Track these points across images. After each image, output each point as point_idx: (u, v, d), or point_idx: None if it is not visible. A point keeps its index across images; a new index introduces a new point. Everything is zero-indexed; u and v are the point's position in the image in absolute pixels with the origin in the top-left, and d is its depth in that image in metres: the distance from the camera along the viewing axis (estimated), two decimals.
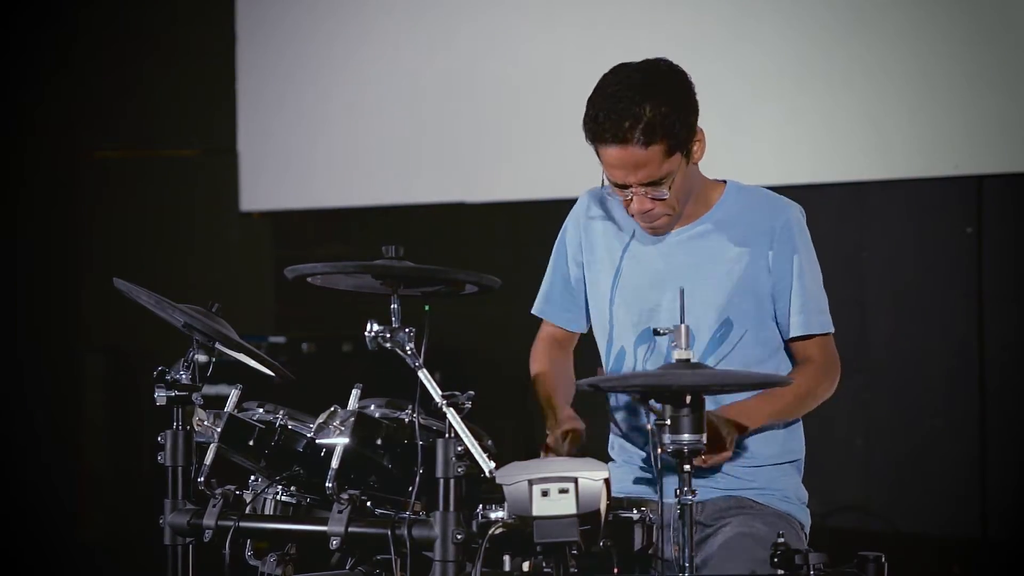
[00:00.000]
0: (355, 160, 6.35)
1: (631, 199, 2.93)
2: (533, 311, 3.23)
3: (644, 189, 2.91)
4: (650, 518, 2.63)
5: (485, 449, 2.62)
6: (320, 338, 5.88)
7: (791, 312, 3.00)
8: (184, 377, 2.83)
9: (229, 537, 2.76)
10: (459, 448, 2.58)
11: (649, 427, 2.55)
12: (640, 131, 2.83)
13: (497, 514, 2.53)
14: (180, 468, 2.84)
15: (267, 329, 6.27)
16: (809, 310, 3.00)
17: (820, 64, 5.26)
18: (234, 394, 2.87)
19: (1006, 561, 5.05)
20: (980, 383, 5.10)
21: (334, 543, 2.68)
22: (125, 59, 6.59)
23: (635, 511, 2.62)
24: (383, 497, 2.80)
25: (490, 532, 2.52)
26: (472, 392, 2.63)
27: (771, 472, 3.01)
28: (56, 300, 6.56)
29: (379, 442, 2.76)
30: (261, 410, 2.90)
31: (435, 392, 2.63)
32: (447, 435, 2.59)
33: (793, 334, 3.01)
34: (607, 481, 2.48)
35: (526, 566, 2.56)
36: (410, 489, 2.64)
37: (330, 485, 2.68)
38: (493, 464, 2.59)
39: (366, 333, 2.68)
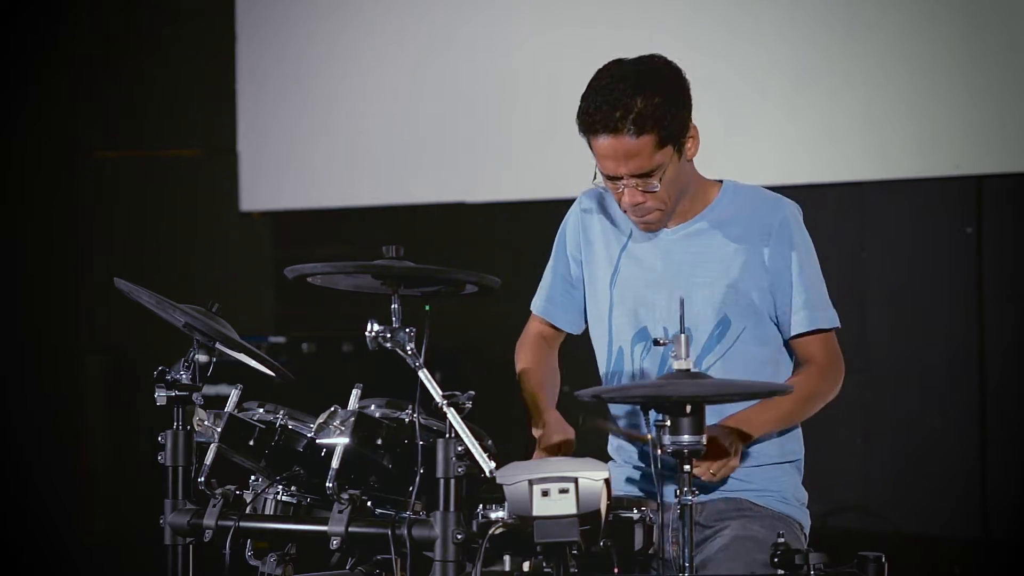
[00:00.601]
0: (355, 160, 6.35)
1: (622, 192, 2.94)
2: (534, 311, 3.22)
3: (635, 181, 2.91)
4: (650, 518, 2.63)
5: (485, 449, 2.62)
6: (320, 338, 5.88)
7: (792, 309, 2.99)
8: (184, 377, 2.82)
9: (229, 537, 2.76)
10: (459, 448, 2.57)
11: (649, 436, 2.55)
12: (631, 121, 2.85)
13: (497, 514, 2.53)
14: (180, 468, 2.84)
15: (267, 329, 6.27)
16: (812, 306, 2.99)
17: (820, 64, 5.26)
18: (234, 394, 2.87)
19: (1006, 561, 5.05)
20: (980, 383, 5.11)
21: (334, 543, 2.68)
22: (125, 59, 6.59)
23: (635, 511, 2.62)
24: (383, 497, 2.79)
25: (490, 532, 2.52)
26: (472, 392, 2.63)
27: (770, 472, 3.01)
28: (56, 300, 6.56)
29: (379, 442, 2.76)
30: (261, 410, 2.90)
31: (435, 392, 2.63)
32: (447, 435, 2.59)
33: (796, 331, 3.00)
34: (607, 481, 2.48)
35: (526, 566, 2.56)
36: (410, 489, 2.64)
37: (330, 485, 2.68)
38: (493, 464, 2.59)
39: (366, 333, 2.68)
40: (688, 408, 2.47)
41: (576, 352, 3.29)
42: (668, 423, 2.49)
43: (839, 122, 5.24)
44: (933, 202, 5.21)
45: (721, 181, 3.08)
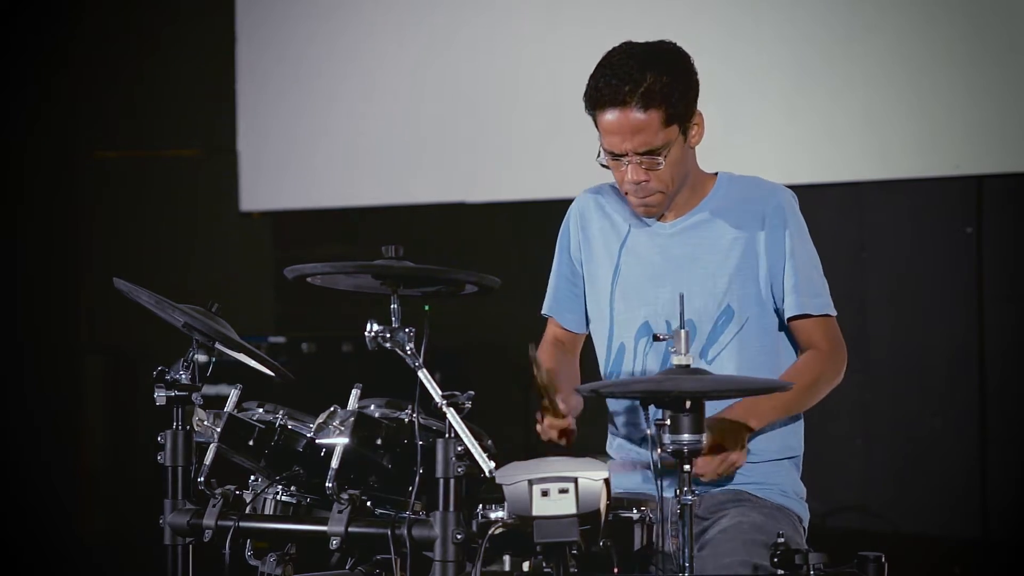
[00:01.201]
0: (355, 160, 6.35)
1: (626, 169, 2.94)
2: (543, 311, 3.23)
3: (639, 158, 2.92)
4: (650, 517, 2.63)
5: (485, 449, 2.62)
6: (320, 338, 5.88)
7: (785, 292, 3.00)
8: (184, 377, 2.82)
9: (229, 537, 2.76)
10: (459, 448, 2.58)
11: (649, 432, 2.55)
12: (639, 95, 2.87)
13: (497, 514, 2.53)
14: (180, 468, 2.84)
15: (267, 329, 6.27)
16: (801, 290, 2.99)
17: (820, 65, 5.26)
18: (234, 394, 2.87)
19: (1006, 561, 5.05)
20: (980, 383, 5.10)
21: (334, 543, 2.68)
22: (125, 59, 6.59)
23: (635, 511, 2.62)
24: (383, 497, 2.79)
25: (490, 532, 2.52)
26: (472, 392, 2.63)
27: (769, 467, 3.01)
28: (56, 300, 6.56)
29: (379, 442, 2.76)
30: (261, 410, 2.90)
31: (435, 392, 2.63)
32: (447, 435, 2.59)
33: (789, 314, 3.00)
34: (607, 481, 2.48)
35: (526, 566, 2.56)
36: (410, 489, 2.64)
37: (330, 485, 2.68)
38: (493, 464, 2.59)
39: (366, 333, 2.68)
40: (688, 404, 2.47)
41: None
42: (668, 423, 2.50)
43: (839, 122, 5.24)
44: (933, 202, 5.21)
45: (716, 174, 3.09)
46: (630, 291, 3.07)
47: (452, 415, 2.60)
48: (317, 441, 2.77)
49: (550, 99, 5.69)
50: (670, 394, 2.47)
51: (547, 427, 2.93)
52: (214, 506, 2.79)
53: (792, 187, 3.13)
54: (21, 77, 6.43)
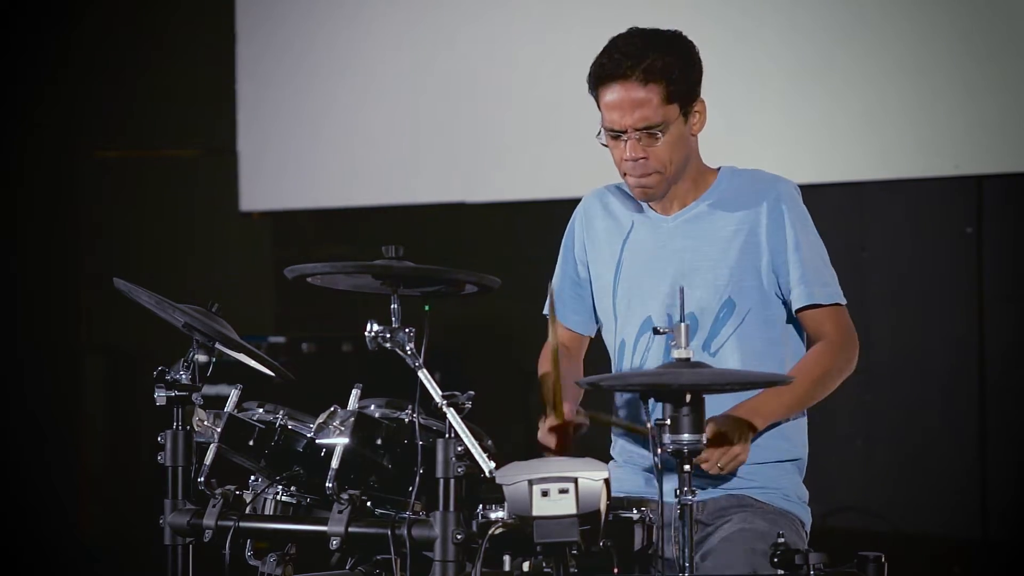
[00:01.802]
0: (355, 160, 6.35)
1: (625, 145, 2.94)
2: (545, 311, 3.23)
3: (638, 134, 2.93)
4: (650, 518, 2.63)
5: (485, 449, 2.63)
6: (320, 338, 5.88)
7: (791, 284, 2.99)
8: (184, 377, 2.83)
9: (229, 537, 2.76)
10: (459, 448, 2.58)
11: (649, 425, 2.55)
12: (641, 70, 2.91)
13: (497, 514, 2.54)
14: (180, 468, 2.84)
15: (267, 329, 6.27)
16: (809, 280, 2.99)
17: (820, 64, 5.26)
18: (234, 394, 2.87)
19: (1006, 561, 5.05)
20: (980, 383, 5.10)
21: (334, 543, 2.68)
22: (125, 59, 6.59)
23: (635, 511, 2.62)
24: (383, 497, 2.80)
25: (490, 532, 2.52)
26: (472, 392, 2.64)
27: (771, 471, 3.00)
28: (56, 300, 6.55)
29: (379, 442, 2.77)
30: (261, 410, 2.90)
31: (435, 392, 2.63)
32: (447, 435, 2.59)
33: (797, 306, 2.99)
34: (607, 481, 2.48)
35: (526, 566, 2.56)
36: (410, 489, 2.64)
37: (330, 485, 2.68)
38: (493, 464, 2.59)
39: (366, 333, 2.68)
40: (688, 397, 2.47)
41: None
42: (668, 422, 2.49)
43: (839, 122, 5.24)
44: (933, 202, 5.21)
45: (719, 168, 3.09)
46: (632, 285, 3.07)
47: (452, 415, 2.60)
48: (317, 441, 2.78)
49: (550, 99, 5.69)
50: (670, 387, 2.47)
51: (547, 431, 2.92)
52: (214, 506, 2.79)
53: None
54: (21, 77, 6.43)
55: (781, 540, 2.58)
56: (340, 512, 2.67)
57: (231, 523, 2.77)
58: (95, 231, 6.64)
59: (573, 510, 2.44)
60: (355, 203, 6.36)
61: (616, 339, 3.10)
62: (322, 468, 2.72)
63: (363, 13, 6.30)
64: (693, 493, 2.50)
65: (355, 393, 2.77)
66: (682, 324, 2.56)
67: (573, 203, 3.24)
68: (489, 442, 2.70)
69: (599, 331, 3.21)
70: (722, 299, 3.00)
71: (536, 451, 2.97)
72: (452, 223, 6.13)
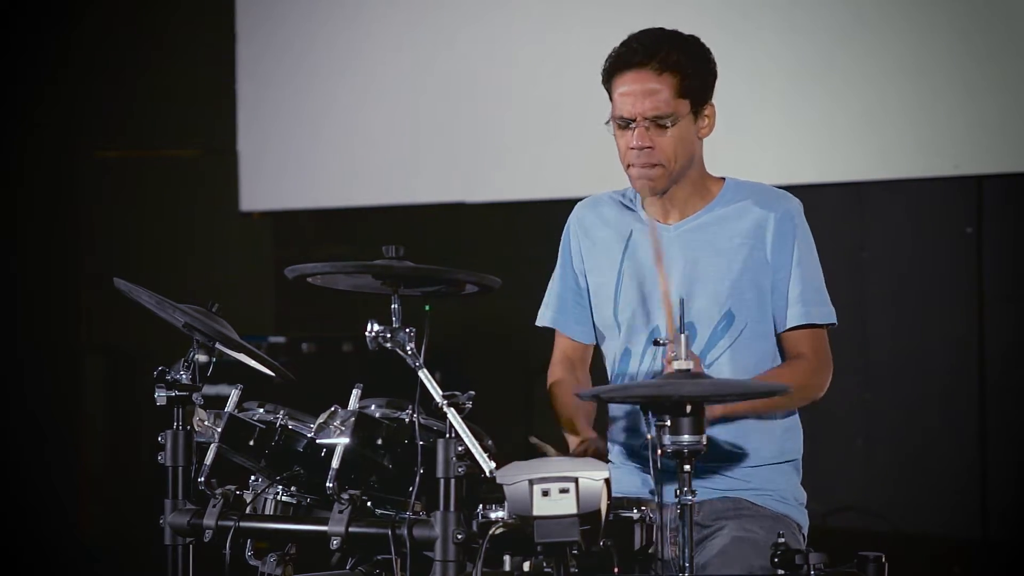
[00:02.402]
0: (355, 160, 6.35)
1: (633, 133, 2.95)
2: (547, 323, 3.21)
3: (647, 123, 2.94)
4: (650, 517, 2.63)
5: (485, 449, 2.62)
6: (320, 338, 5.88)
7: (788, 302, 3.00)
8: (184, 377, 2.83)
9: (229, 537, 2.76)
10: (459, 448, 2.58)
11: (649, 436, 2.55)
12: (657, 60, 2.95)
13: (497, 514, 2.53)
14: (180, 468, 2.84)
15: (267, 329, 6.27)
16: (807, 300, 3.00)
17: (820, 64, 5.26)
18: (234, 394, 2.87)
19: (1006, 561, 5.05)
20: (980, 383, 5.10)
21: (334, 543, 2.68)
22: (125, 59, 6.59)
23: (635, 511, 2.62)
24: (383, 497, 2.80)
25: (490, 532, 2.52)
26: (472, 392, 2.63)
27: (768, 472, 3.00)
28: (56, 300, 6.56)
29: (379, 442, 2.76)
30: (261, 410, 2.90)
31: (435, 392, 2.63)
32: (447, 435, 2.59)
33: (790, 324, 3.00)
34: (607, 481, 2.48)
35: (526, 566, 2.56)
36: (410, 489, 2.64)
37: (330, 485, 2.68)
38: (493, 464, 2.59)
39: (366, 333, 2.68)
40: (688, 408, 2.47)
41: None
42: (668, 423, 2.50)
43: (839, 122, 5.24)
44: (933, 202, 5.21)
45: (724, 179, 3.09)
46: (633, 295, 3.07)
47: (452, 415, 2.60)
48: (317, 441, 2.78)
49: (550, 99, 5.69)
50: (670, 398, 2.47)
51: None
52: (214, 506, 2.79)
53: (792, 187, 3.14)
54: (21, 77, 6.43)
55: (781, 540, 2.58)
56: (340, 512, 2.67)
57: (231, 523, 2.77)
58: (95, 231, 6.64)
59: (573, 510, 2.44)
60: (355, 203, 6.36)
61: (619, 348, 3.10)
62: (322, 468, 2.72)
63: (363, 13, 6.30)
64: (693, 494, 2.50)
65: (355, 393, 2.77)
66: (682, 335, 2.56)
67: (572, 203, 3.23)
68: (489, 442, 2.70)
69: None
70: (722, 311, 3.00)
71: (536, 452, 2.97)
72: (452, 223, 6.13)
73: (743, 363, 2.99)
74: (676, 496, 2.50)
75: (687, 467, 2.49)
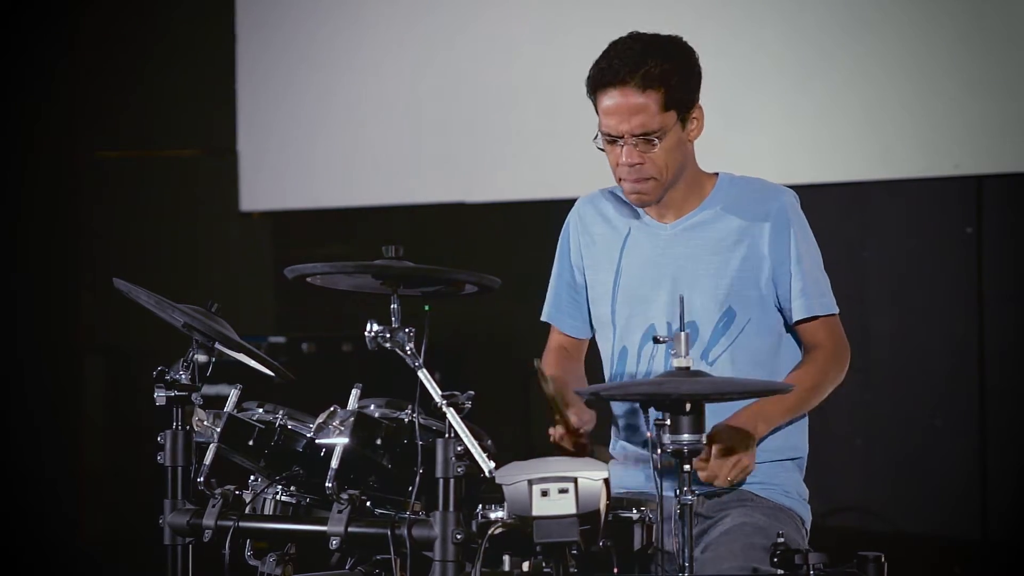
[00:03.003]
0: (355, 160, 6.35)
1: (621, 151, 2.95)
2: (542, 318, 3.23)
3: (635, 140, 2.93)
4: (650, 517, 2.63)
5: (485, 449, 2.62)
6: (320, 338, 5.88)
7: (792, 296, 3.01)
8: (184, 377, 2.83)
9: (229, 537, 2.76)
10: (459, 448, 2.58)
11: (649, 434, 2.55)
12: (639, 76, 2.91)
13: (497, 514, 2.54)
14: (180, 468, 2.84)
15: (267, 329, 6.26)
16: (809, 293, 3.00)
17: (820, 64, 5.26)
18: (234, 394, 2.87)
19: (1006, 561, 5.05)
20: (980, 383, 5.10)
21: (334, 543, 2.68)
22: (125, 59, 6.59)
23: (635, 511, 2.62)
24: (383, 497, 2.80)
25: (490, 532, 2.52)
26: (472, 392, 2.63)
27: (771, 468, 3.01)
28: (56, 300, 6.55)
29: (379, 442, 2.76)
30: (261, 410, 2.90)
31: (435, 392, 2.63)
32: (447, 435, 2.59)
33: (796, 318, 3.01)
34: (607, 481, 2.48)
35: (526, 566, 2.56)
36: (410, 489, 2.64)
37: (330, 485, 2.68)
38: (493, 464, 2.59)
39: (366, 333, 2.68)
40: (688, 406, 2.47)
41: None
42: (668, 422, 2.50)
43: (839, 122, 5.24)
44: (933, 202, 5.21)
45: (717, 174, 3.09)
46: (631, 293, 3.07)
47: (452, 415, 2.60)
48: (317, 441, 2.78)
49: (549, 99, 5.69)
50: (670, 397, 2.47)
51: (559, 438, 2.94)
52: (214, 506, 2.79)
53: (792, 187, 3.14)
54: (21, 77, 6.43)
55: (781, 540, 2.58)
56: (340, 512, 2.67)
57: (231, 523, 2.77)
58: (95, 231, 6.63)
59: (573, 510, 2.44)
60: (355, 203, 6.36)
61: (615, 346, 3.10)
62: (322, 468, 2.72)
63: (363, 13, 6.30)
64: (693, 493, 2.50)
65: (355, 393, 2.77)
66: (682, 333, 2.56)
67: (572, 203, 3.23)
68: (489, 442, 2.70)
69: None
70: (722, 308, 3.00)
71: (536, 451, 2.97)
72: (452, 223, 6.13)
73: (747, 359, 3.00)
74: (676, 495, 2.50)
75: (687, 467, 2.49)
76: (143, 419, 6.13)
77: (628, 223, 3.10)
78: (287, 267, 2.82)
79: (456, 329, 5.53)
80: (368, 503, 2.76)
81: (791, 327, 3.04)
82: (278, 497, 2.86)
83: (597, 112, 2.98)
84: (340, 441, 2.72)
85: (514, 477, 2.48)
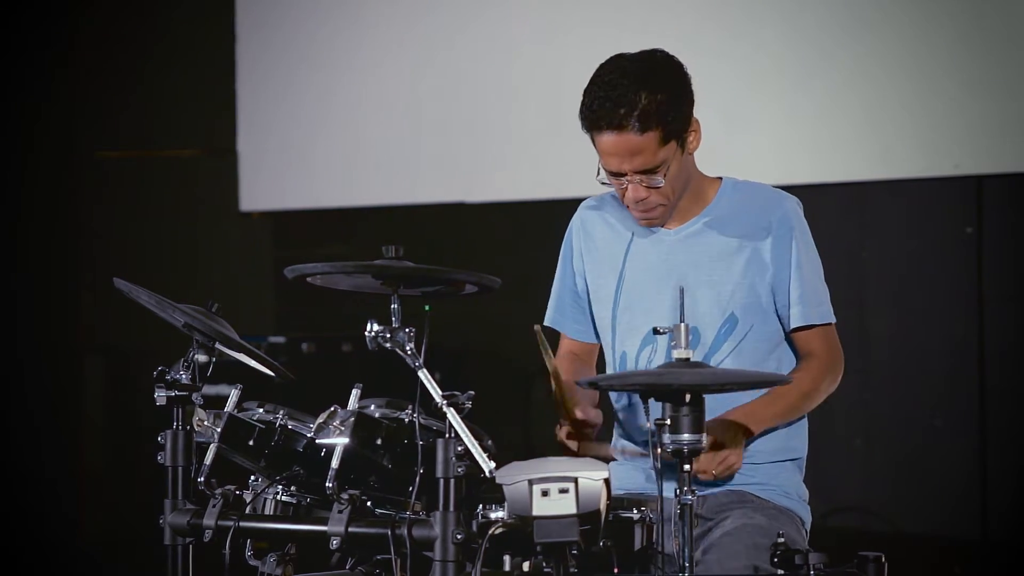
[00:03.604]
0: (355, 160, 6.35)
1: (626, 188, 2.94)
2: (545, 322, 3.23)
3: (639, 177, 2.93)
4: (650, 517, 2.63)
5: (485, 449, 2.62)
6: (320, 338, 5.88)
7: (790, 303, 3.01)
8: (184, 377, 2.82)
9: (229, 537, 2.76)
10: (459, 448, 2.58)
11: (648, 426, 2.55)
12: (636, 118, 2.87)
13: (497, 514, 2.53)
14: (180, 468, 2.84)
15: (267, 329, 6.27)
16: (807, 301, 3.00)
17: (820, 64, 5.26)
18: (234, 394, 2.87)
19: (1006, 561, 5.05)
20: (980, 383, 5.10)
21: (334, 543, 2.68)
22: (125, 59, 6.59)
23: (635, 511, 2.62)
24: (383, 497, 2.80)
25: (490, 532, 2.52)
26: (472, 392, 2.63)
27: (771, 469, 3.01)
28: (56, 300, 6.55)
29: (379, 442, 2.77)
30: (261, 410, 2.90)
31: (435, 392, 2.63)
32: (447, 435, 2.59)
33: (793, 325, 3.02)
34: (607, 481, 2.48)
35: (526, 566, 2.56)
36: (410, 489, 2.64)
37: (330, 485, 2.68)
38: (493, 464, 2.59)
39: (366, 333, 2.68)
40: (687, 397, 2.47)
41: None
42: (668, 422, 2.49)
43: (839, 122, 5.24)
44: (933, 202, 5.21)
45: (720, 179, 3.09)
46: (635, 299, 3.08)
47: (452, 415, 2.60)
48: (317, 441, 2.78)
49: (550, 99, 5.69)
50: (670, 387, 2.47)
51: (564, 437, 2.94)
52: (214, 506, 2.79)
53: (792, 187, 3.14)
54: (21, 77, 6.43)
55: (781, 540, 2.58)
56: (340, 512, 2.67)
57: (231, 523, 2.77)
58: (95, 231, 6.63)
59: (573, 510, 2.44)
60: (355, 203, 6.36)
61: (616, 351, 3.10)
62: (322, 468, 2.72)
63: (363, 13, 6.30)
64: (693, 493, 2.50)
65: (355, 393, 2.77)
66: (682, 324, 2.56)
67: (573, 203, 3.24)
68: (489, 442, 2.70)
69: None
70: (725, 314, 3.01)
71: (536, 451, 2.97)
72: (452, 223, 6.13)
73: (748, 365, 3.00)
74: (676, 495, 2.50)
75: (687, 467, 2.49)
76: (143, 419, 6.15)
77: (631, 229, 3.10)
78: (287, 267, 2.82)
79: (456, 329, 5.53)
80: (368, 503, 2.76)
81: (787, 334, 3.04)
82: (278, 497, 2.86)
83: (595, 146, 2.95)
84: (340, 441, 2.72)
85: (514, 477, 2.48)
